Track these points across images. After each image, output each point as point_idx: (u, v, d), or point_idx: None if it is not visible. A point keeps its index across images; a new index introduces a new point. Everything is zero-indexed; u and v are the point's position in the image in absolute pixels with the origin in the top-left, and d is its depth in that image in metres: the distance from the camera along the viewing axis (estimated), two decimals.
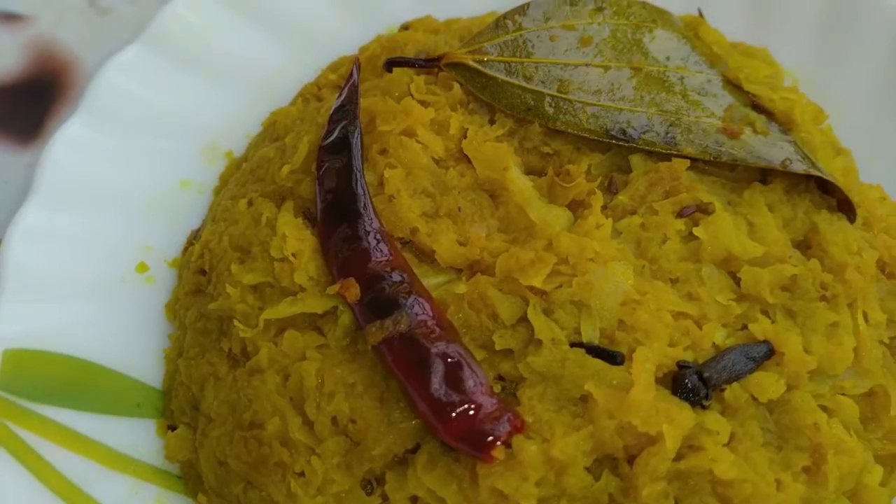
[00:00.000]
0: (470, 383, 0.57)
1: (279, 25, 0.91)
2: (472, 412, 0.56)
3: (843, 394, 0.67)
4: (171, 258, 0.80)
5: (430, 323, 0.59)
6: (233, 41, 0.89)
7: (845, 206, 0.73)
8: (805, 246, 0.71)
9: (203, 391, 0.69)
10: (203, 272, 0.73)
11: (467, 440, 0.56)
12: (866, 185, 0.81)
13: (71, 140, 0.79)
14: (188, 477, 0.70)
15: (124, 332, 0.75)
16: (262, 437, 0.63)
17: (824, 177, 0.71)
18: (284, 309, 0.65)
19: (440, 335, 0.59)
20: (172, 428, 0.71)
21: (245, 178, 0.77)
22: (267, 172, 0.75)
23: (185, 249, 0.80)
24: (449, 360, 0.58)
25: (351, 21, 0.93)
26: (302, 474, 0.62)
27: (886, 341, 0.70)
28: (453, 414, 0.56)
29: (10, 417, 0.68)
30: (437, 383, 0.57)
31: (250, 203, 0.73)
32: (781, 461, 0.63)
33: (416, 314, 0.60)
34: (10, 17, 1.00)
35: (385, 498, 0.60)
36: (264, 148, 0.78)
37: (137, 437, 0.72)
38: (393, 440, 0.60)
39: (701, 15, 0.83)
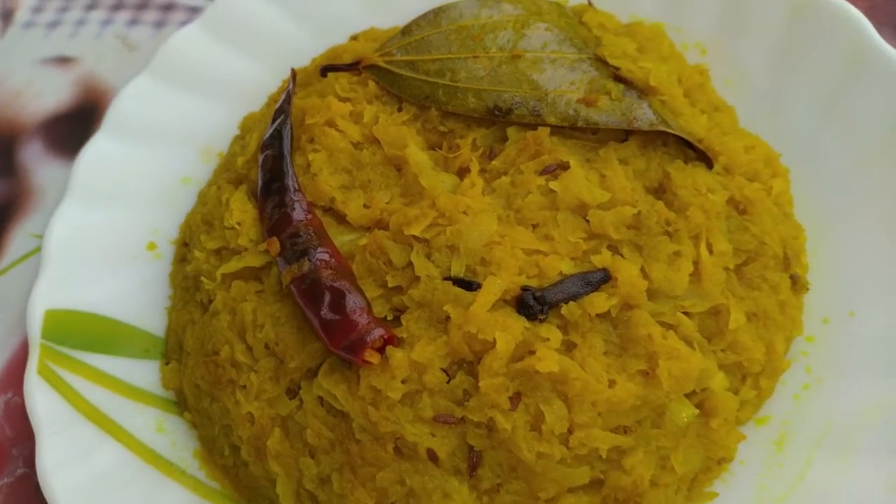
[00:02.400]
0: (350, 307, 0.75)
1: (258, 47, 1.11)
2: (349, 327, 0.73)
3: (684, 312, 0.80)
4: (173, 239, 1.02)
5: (328, 266, 0.78)
6: (221, 65, 1.10)
7: (702, 156, 0.86)
8: (660, 192, 0.84)
9: (185, 333, 0.90)
10: (185, 244, 0.95)
11: (346, 348, 0.73)
12: (745, 134, 0.92)
13: (96, 151, 1.03)
14: (179, 400, 0.91)
15: (137, 295, 0.97)
16: (217, 361, 0.83)
17: (669, 131, 0.84)
18: (233, 265, 0.85)
19: (334, 275, 0.77)
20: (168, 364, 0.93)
21: (219, 170, 0.98)
22: (232, 164, 0.95)
23: (180, 231, 1.01)
24: (335, 291, 0.76)
25: (320, 38, 1.13)
26: (244, 387, 0.81)
27: (732, 268, 0.82)
28: (336, 329, 0.74)
29: (51, 359, 0.91)
30: (325, 309, 0.75)
31: (218, 188, 0.94)
32: (619, 366, 0.76)
33: (317, 260, 0.78)
34: (64, 60, 1.26)
35: (301, 400, 0.79)
36: (234, 145, 0.99)
37: (146, 374, 0.94)
38: (305, 356, 0.78)
39: (589, 3, 0.98)
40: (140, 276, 0.99)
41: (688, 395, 0.79)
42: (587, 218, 0.81)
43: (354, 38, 1.06)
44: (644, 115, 0.84)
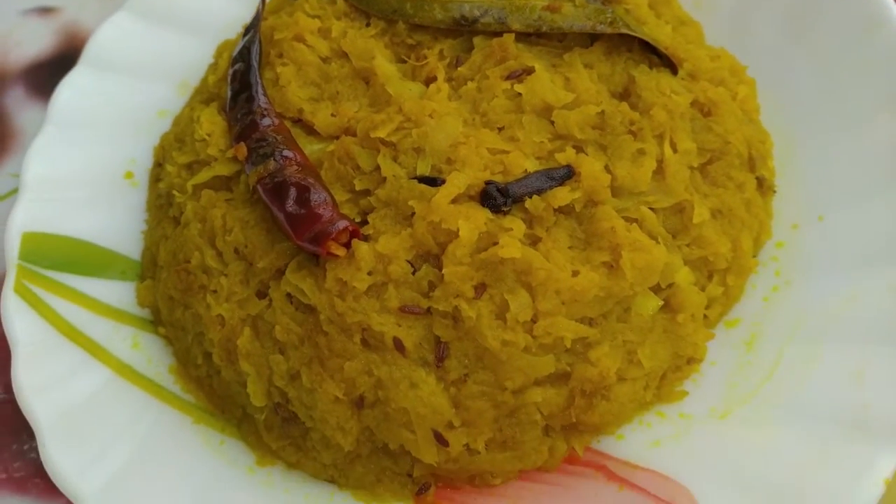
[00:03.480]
0: (314, 201, 0.75)
1: None
2: (314, 219, 0.74)
3: (649, 208, 0.80)
4: (150, 168, 1.03)
5: (293, 164, 0.79)
6: (198, 1, 1.12)
7: (667, 61, 0.87)
8: (625, 96, 0.85)
9: (158, 249, 0.91)
10: (159, 164, 0.96)
11: (311, 240, 0.74)
12: (711, 47, 0.93)
13: (74, 83, 1.04)
14: (154, 318, 0.92)
15: (114, 220, 0.98)
16: (189, 268, 0.84)
17: (633, 34, 0.84)
18: (203, 175, 0.86)
19: (299, 173, 0.78)
20: None
21: (193, 95, 0.99)
22: (204, 87, 0.96)
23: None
24: (300, 186, 0.76)
25: None
26: (215, 291, 0.82)
27: (696, 166, 0.83)
28: (301, 222, 0.74)
29: (28, 279, 0.92)
30: (290, 204, 0.76)
31: (191, 109, 0.95)
32: (583, 258, 0.77)
33: (282, 160, 0.79)
34: (46, 10, 1.28)
35: (270, 299, 0.79)
36: (208, 70, 1.00)
37: (122, 294, 0.94)
38: (274, 256, 0.79)
39: None
40: (118, 204, 1.00)
41: (654, 291, 0.79)
42: (552, 120, 0.82)
43: None
44: (607, 22, 0.85)
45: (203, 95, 0.95)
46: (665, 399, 0.82)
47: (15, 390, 0.85)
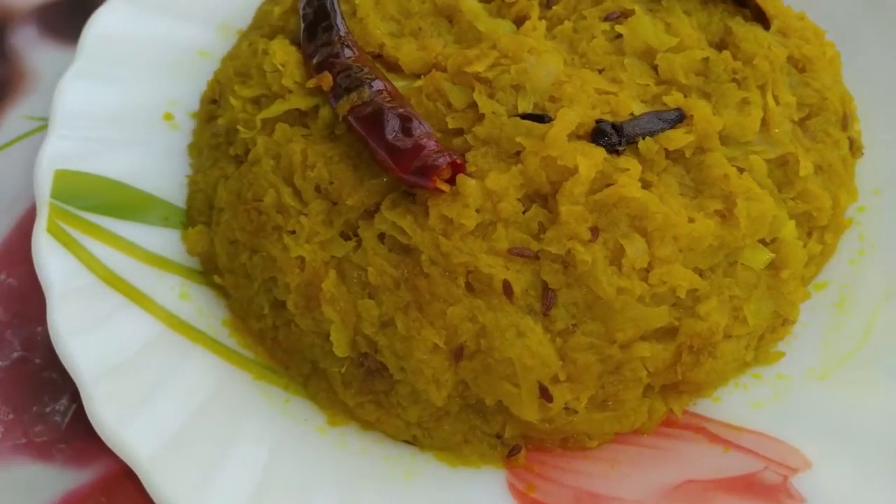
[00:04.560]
0: (418, 132, 0.70)
1: None
2: (419, 150, 0.68)
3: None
4: (192, 111, 0.95)
5: (386, 95, 0.73)
6: None
7: (760, 16, 0.84)
8: (721, 47, 0.82)
9: (216, 191, 0.83)
10: (214, 101, 0.88)
11: (417, 172, 0.68)
12: (787, 7, 0.91)
13: (107, 18, 0.95)
14: (206, 267, 0.84)
15: (154, 162, 0.90)
16: (260, 207, 0.76)
17: None
18: (276, 108, 0.79)
19: (395, 103, 0.72)
20: None
21: (248, 31, 0.92)
22: (264, 21, 0.89)
23: (201, 99, 0.94)
24: (400, 116, 0.70)
25: None
26: (293, 232, 0.75)
27: (796, 119, 0.81)
28: (405, 154, 0.68)
29: (62, 219, 0.83)
30: (391, 133, 0.70)
31: (250, 43, 0.87)
32: (696, 206, 0.73)
33: (376, 89, 0.73)
34: None
35: (359, 240, 0.73)
36: (263, 7, 0.93)
37: (165, 241, 0.86)
38: (364, 194, 0.73)
39: None
40: (157, 146, 0.91)
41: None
42: (654, 64, 0.78)
43: None
44: None
45: (264, 29, 0.88)
46: (762, 360, 0.79)
47: (53, 338, 0.76)
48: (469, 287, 0.69)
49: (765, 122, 0.78)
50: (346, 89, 0.73)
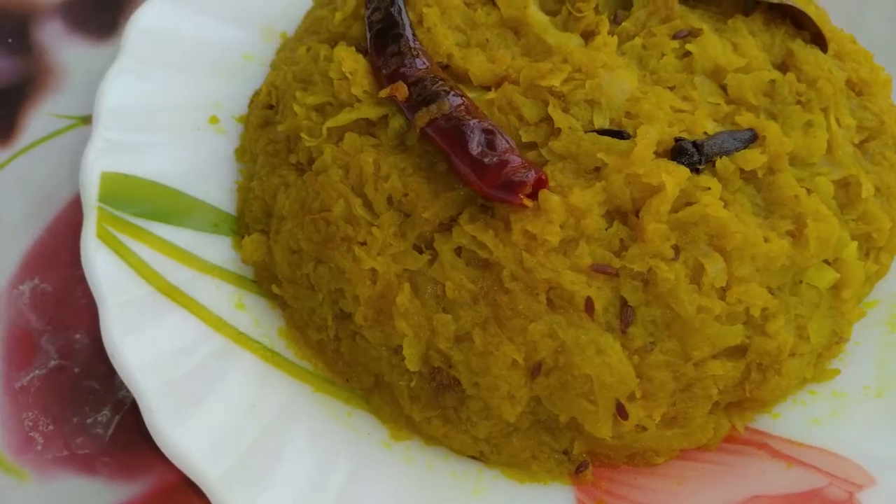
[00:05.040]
0: (502, 146, 0.69)
1: None
2: (504, 165, 0.68)
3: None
4: (238, 114, 0.93)
5: (467, 109, 0.72)
6: None
7: (818, 39, 0.85)
8: (783, 69, 0.83)
9: (275, 199, 0.81)
10: (270, 107, 0.86)
11: (502, 187, 0.67)
12: (838, 29, 0.93)
13: (150, 16, 0.93)
14: (261, 276, 0.82)
15: (201, 167, 0.88)
16: (328, 218, 0.75)
17: (797, 7, 0.83)
18: (344, 117, 0.77)
19: (475, 115, 0.71)
20: None
21: (301, 36, 0.90)
22: (321, 26, 0.87)
23: (251, 103, 0.92)
24: (486, 130, 0.70)
25: None
26: (364, 243, 0.73)
27: (856, 142, 0.82)
28: (489, 167, 0.68)
29: (109, 223, 0.80)
30: (475, 146, 0.69)
31: (308, 49, 0.86)
32: (768, 226, 0.74)
33: (455, 102, 0.72)
34: None
35: (434, 253, 0.72)
36: (319, 9, 0.91)
37: (216, 248, 0.84)
38: (440, 207, 0.72)
39: None
40: (204, 150, 0.89)
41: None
42: (723, 83, 0.78)
43: None
44: None
45: (322, 35, 0.86)
46: (818, 378, 0.80)
47: (109, 350, 0.73)
48: (550, 303, 0.69)
49: (829, 145, 0.79)
50: (425, 101, 0.72)
